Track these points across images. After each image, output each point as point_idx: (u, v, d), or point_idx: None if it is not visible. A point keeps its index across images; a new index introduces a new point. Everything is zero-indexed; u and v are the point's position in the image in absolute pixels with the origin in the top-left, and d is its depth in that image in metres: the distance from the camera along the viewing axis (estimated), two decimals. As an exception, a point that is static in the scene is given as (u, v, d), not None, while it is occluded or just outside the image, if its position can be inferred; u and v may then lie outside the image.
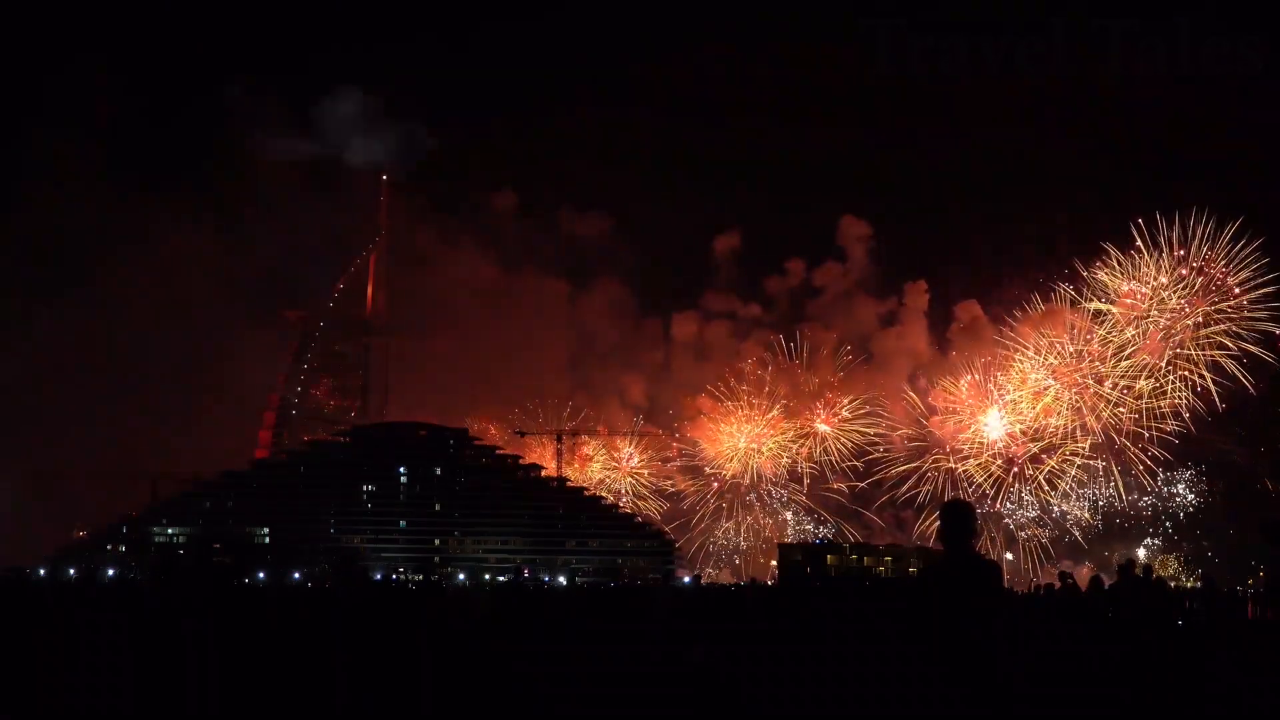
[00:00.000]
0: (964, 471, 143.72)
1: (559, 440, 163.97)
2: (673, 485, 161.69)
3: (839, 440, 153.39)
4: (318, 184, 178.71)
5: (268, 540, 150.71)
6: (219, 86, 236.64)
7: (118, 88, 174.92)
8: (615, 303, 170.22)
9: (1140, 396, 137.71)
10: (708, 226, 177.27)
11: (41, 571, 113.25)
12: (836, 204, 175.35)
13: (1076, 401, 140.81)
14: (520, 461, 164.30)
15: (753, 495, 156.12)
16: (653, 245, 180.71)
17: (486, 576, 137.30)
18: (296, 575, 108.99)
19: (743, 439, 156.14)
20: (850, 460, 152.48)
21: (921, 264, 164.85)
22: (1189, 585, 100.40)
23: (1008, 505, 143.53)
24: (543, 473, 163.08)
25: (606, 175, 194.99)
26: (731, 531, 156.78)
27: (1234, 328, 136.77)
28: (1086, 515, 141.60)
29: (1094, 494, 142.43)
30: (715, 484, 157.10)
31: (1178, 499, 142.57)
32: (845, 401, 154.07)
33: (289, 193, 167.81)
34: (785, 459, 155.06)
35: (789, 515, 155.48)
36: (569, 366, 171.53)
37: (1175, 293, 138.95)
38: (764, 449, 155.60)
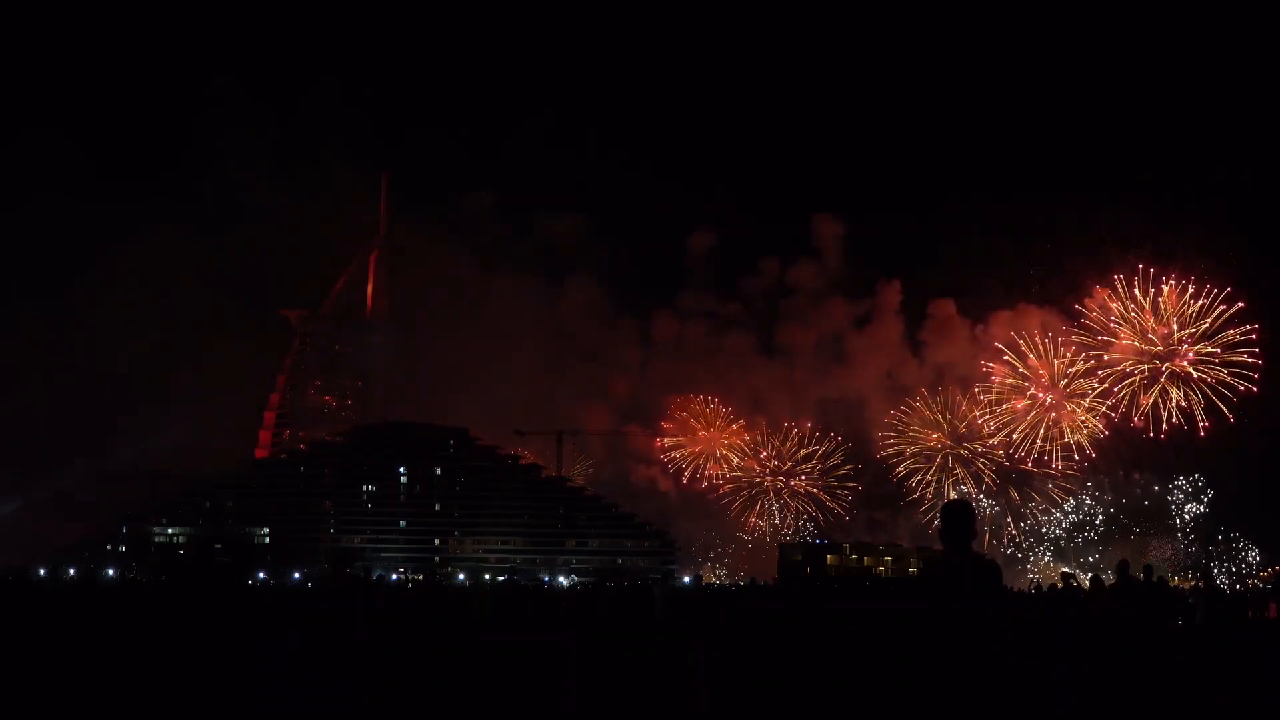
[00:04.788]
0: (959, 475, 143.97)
1: (559, 440, 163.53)
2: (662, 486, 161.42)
3: (822, 439, 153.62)
4: (309, 182, 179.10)
5: (268, 540, 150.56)
6: (207, 84, 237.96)
7: (106, 87, 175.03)
8: (592, 301, 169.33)
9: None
10: (682, 225, 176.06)
11: (41, 571, 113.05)
12: (810, 203, 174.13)
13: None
14: (520, 461, 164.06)
15: (745, 494, 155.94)
16: (628, 243, 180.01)
17: (486, 577, 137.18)
18: (296, 575, 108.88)
19: (724, 438, 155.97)
20: (833, 459, 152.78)
21: (896, 262, 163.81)
22: (1189, 585, 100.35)
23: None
24: (542, 473, 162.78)
25: (581, 174, 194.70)
26: (727, 530, 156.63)
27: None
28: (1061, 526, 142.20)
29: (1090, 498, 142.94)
30: (705, 483, 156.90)
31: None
32: (825, 399, 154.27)
33: (281, 191, 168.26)
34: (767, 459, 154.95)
35: (779, 514, 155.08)
36: (550, 366, 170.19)
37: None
38: (742, 448, 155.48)
